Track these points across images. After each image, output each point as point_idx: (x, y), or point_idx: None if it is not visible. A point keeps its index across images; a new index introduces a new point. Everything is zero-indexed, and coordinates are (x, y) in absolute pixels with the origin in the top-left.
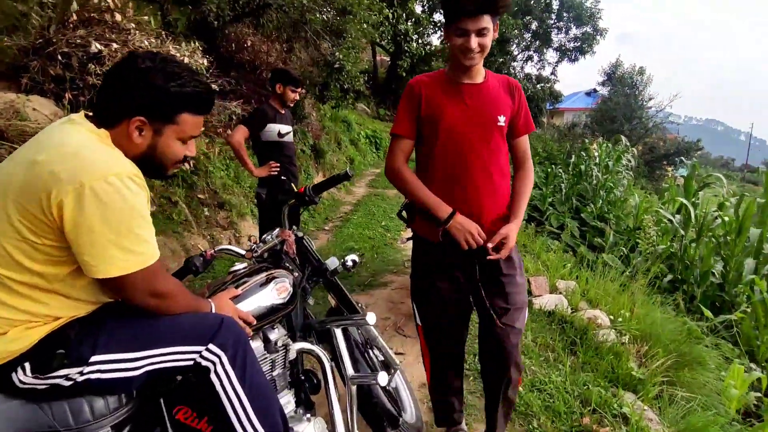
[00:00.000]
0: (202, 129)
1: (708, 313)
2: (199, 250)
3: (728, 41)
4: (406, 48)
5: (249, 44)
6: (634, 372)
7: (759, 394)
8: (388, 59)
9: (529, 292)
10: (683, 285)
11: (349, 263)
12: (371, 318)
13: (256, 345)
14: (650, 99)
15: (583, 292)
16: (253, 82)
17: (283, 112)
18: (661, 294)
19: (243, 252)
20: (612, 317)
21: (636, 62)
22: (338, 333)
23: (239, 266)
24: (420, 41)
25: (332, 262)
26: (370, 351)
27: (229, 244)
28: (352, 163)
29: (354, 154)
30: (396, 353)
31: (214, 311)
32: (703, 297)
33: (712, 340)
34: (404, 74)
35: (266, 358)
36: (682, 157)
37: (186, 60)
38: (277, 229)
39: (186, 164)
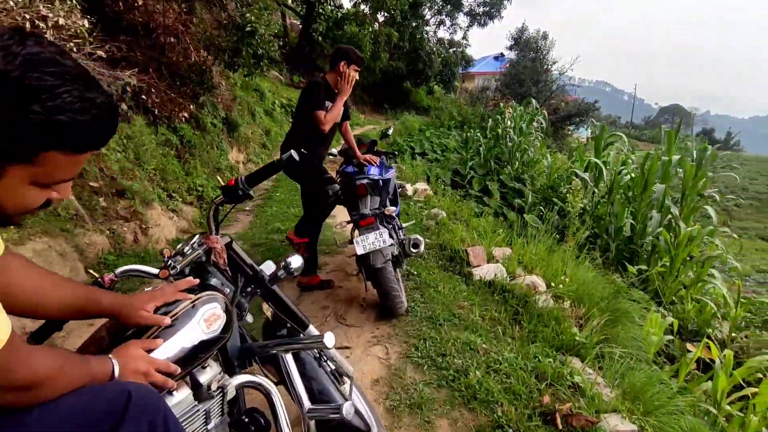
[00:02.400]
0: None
1: (632, 269)
2: (96, 252)
3: (616, 4)
4: (320, 10)
5: (140, 3)
6: (577, 337)
7: (671, 337)
8: (299, 23)
9: (468, 263)
10: (597, 240)
11: (293, 266)
12: (329, 340)
13: (182, 397)
14: (554, 63)
15: (518, 258)
16: (149, 47)
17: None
18: (579, 250)
19: (155, 271)
20: (548, 281)
21: (539, 26)
22: (288, 359)
23: (149, 291)
24: (333, 3)
25: (268, 267)
26: (323, 365)
27: (135, 239)
28: (268, 135)
29: (270, 125)
30: (341, 348)
31: (116, 374)
32: (617, 251)
33: (635, 293)
34: (320, 38)
35: (197, 410)
36: (583, 118)
37: (61, 22)
38: (197, 236)
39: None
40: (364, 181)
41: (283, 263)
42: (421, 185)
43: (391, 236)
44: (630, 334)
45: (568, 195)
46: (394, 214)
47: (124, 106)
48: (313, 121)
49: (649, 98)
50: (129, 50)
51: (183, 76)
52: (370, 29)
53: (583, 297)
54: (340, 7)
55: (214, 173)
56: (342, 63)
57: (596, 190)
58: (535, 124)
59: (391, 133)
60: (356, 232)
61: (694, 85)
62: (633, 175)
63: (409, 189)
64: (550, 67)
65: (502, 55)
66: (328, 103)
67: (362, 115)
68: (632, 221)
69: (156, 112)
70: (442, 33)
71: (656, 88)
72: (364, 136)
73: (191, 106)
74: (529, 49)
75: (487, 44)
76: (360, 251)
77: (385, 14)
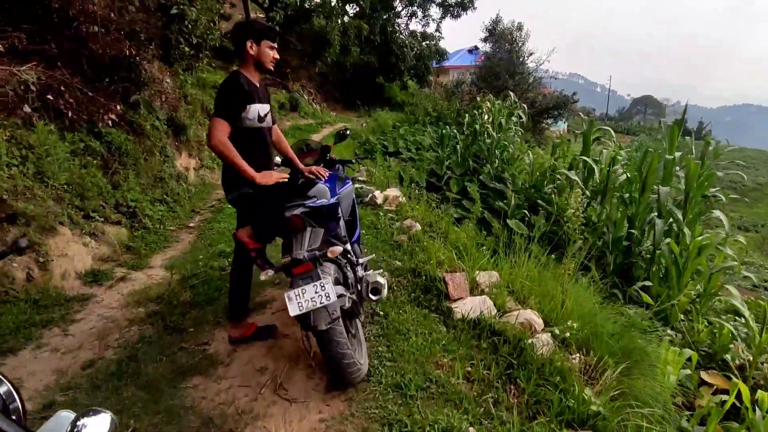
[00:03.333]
0: None
1: (647, 298)
2: None
3: None
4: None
5: None
6: (593, 406)
7: (688, 371)
8: (264, 16)
9: (447, 296)
10: (591, 250)
11: None
12: None
13: None
14: (530, 54)
15: (507, 284)
16: (68, 38)
17: (258, 84)
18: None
19: None
20: (545, 316)
21: (513, 17)
22: None
23: None
24: None
25: None
26: None
27: (29, 277)
28: None
29: None
30: None
31: None
32: (614, 264)
33: (647, 323)
34: (281, 30)
35: None
36: (561, 111)
37: None
38: None
39: None
40: (298, 211)
41: None
42: (393, 191)
43: (341, 282)
44: (649, 384)
45: (552, 196)
46: (347, 246)
47: (26, 108)
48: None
49: (621, 90)
50: (39, 41)
51: (109, 72)
52: (339, 21)
53: (590, 338)
54: None
55: (155, 184)
56: (249, 43)
57: (587, 192)
58: (514, 118)
59: (349, 134)
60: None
61: (662, 76)
62: (628, 174)
63: (379, 197)
64: (526, 59)
65: (476, 48)
66: (253, 108)
67: (333, 113)
68: (630, 228)
69: (70, 115)
70: (415, 25)
71: (627, 80)
72: (313, 141)
73: (119, 107)
74: (504, 41)
75: (460, 37)
76: (294, 311)
77: (355, 6)
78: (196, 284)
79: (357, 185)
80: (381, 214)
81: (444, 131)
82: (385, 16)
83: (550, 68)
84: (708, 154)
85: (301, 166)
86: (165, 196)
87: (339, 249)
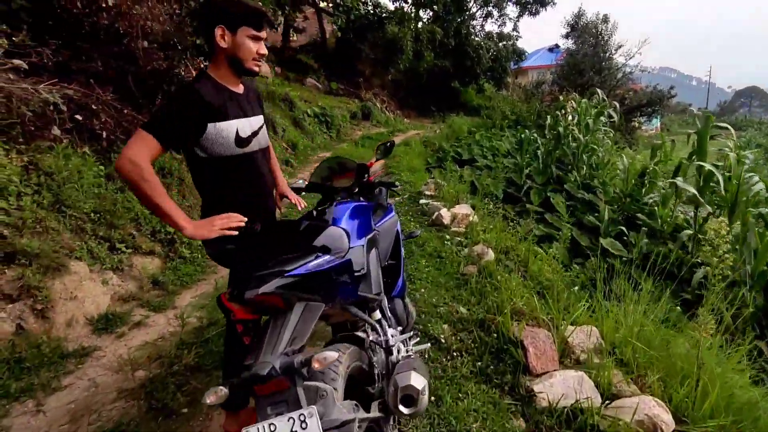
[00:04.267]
0: None
1: None
2: None
3: None
4: (349, 5)
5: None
6: None
7: None
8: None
9: (527, 369)
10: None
11: None
12: None
13: None
14: (619, 47)
15: (613, 348)
16: (113, 56)
17: (239, 89)
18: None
19: None
20: (674, 406)
21: (597, 10)
22: None
23: None
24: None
25: None
26: None
27: (19, 328)
28: (294, 149)
29: (297, 138)
30: None
31: None
32: (755, 309)
33: None
34: (351, 37)
35: None
36: (655, 108)
37: None
38: None
39: None
40: (270, 288)
41: None
42: (463, 208)
43: (364, 371)
44: None
45: (655, 207)
46: (386, 309)
47: (55, 130)
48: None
49: (720, 82)
50: (87, 60)
51: (152, 87)
52: (412, 26)
53: None
54: (378, 5)
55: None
56: (218, 31)
57: (709, 208)
58: (602, 118)
59: (392, 146)
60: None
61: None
62: (764, 185)
63: (446, 215)
64: (613, 52)
65: (557, 46)
66: (223, 127)
67: (406, 120)
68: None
69: (105, 135)
70: (490, 26)
71: (726, 71)
72: (348, 160)
73: None
74: (588, 35)
75: (540, 35)
76: None
77: (428, 11)
78: (211, 337)
79: (423, 201)
80: (447, 237)
81: (523, 135)
82: (459, 19)
83: (640, 62)
84: None
85: (292, 195)
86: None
87: (332, 356)
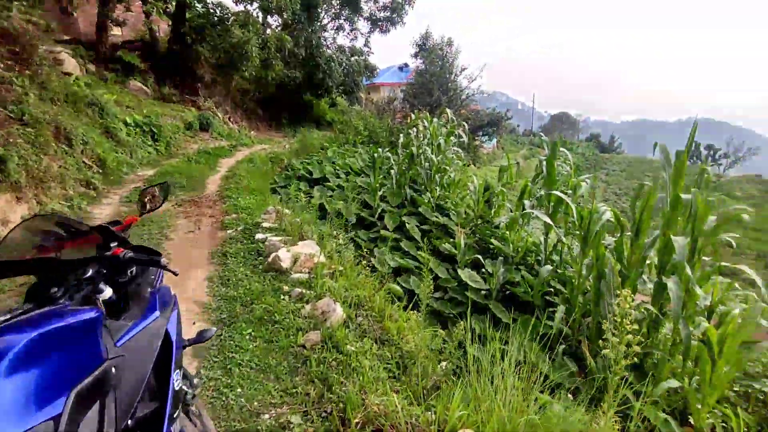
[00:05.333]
0: None
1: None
2: None
3: (511, 12)
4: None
5: None
6: None
7: None
8: (168, 24)
9: None
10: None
11: None
12: None
13: None
14: (463, 69)
15: None
16: None
17: None
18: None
19: None
20: None
21: (443, 33)
22: None
23: None
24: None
25: None
26: None
27: None
28: (101, 167)
29: (108, 152)
30: None
31: None
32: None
33: None
34: (188, 37)
35: None
36: (495, 128)
37: None
38: None
39: None
40: None
41: None
42: (307, 246)
43: None
44: None
45: (508, 233)
46: None
47: None
48: None
49: (539, 107)
50: None
51: None
52: (257, 29)
53: None
54: (220, 5)
55: None
56: None
57: (564, 240)
58: (453, 138)
59: (168, 189)
60: None
61: (573, 93)
62: (612, 215)
63: (285, 258)
64: (458, 74)
65: (406, 65)
66: None
67: (253, 133)
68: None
69: None
70: (342, 40)
71: (543, 97)
72: (72, 220)
73: None
74: (435, 56)
75: (390, 53)
76: None
77: (277, 17)
78: None
79: (260, 235)
80: (286, 288)
81: (376, 154)
82: (310, 29)
83: (481, 85)
84: (702, 183)
85: None
86: None
87: None
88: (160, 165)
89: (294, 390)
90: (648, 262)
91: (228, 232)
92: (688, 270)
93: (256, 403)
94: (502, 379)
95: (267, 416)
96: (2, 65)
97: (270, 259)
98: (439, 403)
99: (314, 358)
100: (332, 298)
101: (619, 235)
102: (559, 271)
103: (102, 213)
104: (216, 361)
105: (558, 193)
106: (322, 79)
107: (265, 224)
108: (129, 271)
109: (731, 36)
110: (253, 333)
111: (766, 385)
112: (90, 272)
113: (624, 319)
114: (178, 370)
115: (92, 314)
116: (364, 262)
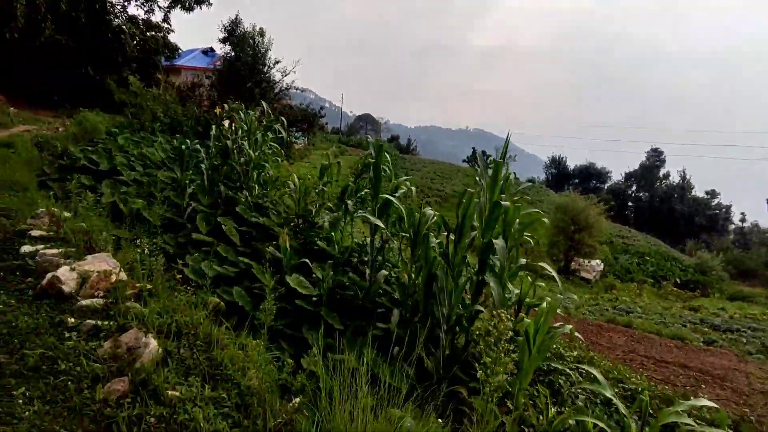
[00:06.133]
0: None
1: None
2: None
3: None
4: None
5: None
6: None
7: None
8: None
9: None
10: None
11: None
12: None
13: None
14: (276, 62)
15: None
16: None
17: None
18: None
19: None
20: None
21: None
22: None
23: None
24: None
25: None
26: None
27: None
28: None
29: None
30: None
31: None
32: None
33: None
34: None
35: None
36: (309, 125)
37: None
38: None
39: None
40: None
41: None
42: (101, 261)
43: None
44: None
45: (333, 233)
46: None
47: None
48: None
49: (345, 107)
50: None
51: None
52: None
53: None
54: None
55: None
56: None
57: (394, 243)
58: (270, 133)
59: None
60: None
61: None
62: (437, 218)
63: (69, 280)
64: (272, 66)
65: (212, 49)
66: None
67: (13, 109)
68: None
69: None
70: (135, 10)
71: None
72: None
73: None
74: (246, 45)
75: (193, 35)
76: None
77: None
78: None
79: (27, 248)
80: (71, 321)
81: (184, 146)
82: None
83: (295, 80)
84: (503, 186)
85: None
86: None
87: None
88: None
89: None
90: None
91: None
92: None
93: None
94: (354, 402)
95: None
96: None
97: (44, 282)
98: None
99: (123, 417)
100: (141, 329)
101: (445, 236)
102: (393, 273)
103: None
104: None
105: (389, 196)
106: (109, 54)
107: (34, 232)
108: None
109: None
110: (27, 392)
111: (563, 365)
112: None
113: (502, 342)
114: None
115: None
116: (174, 272)
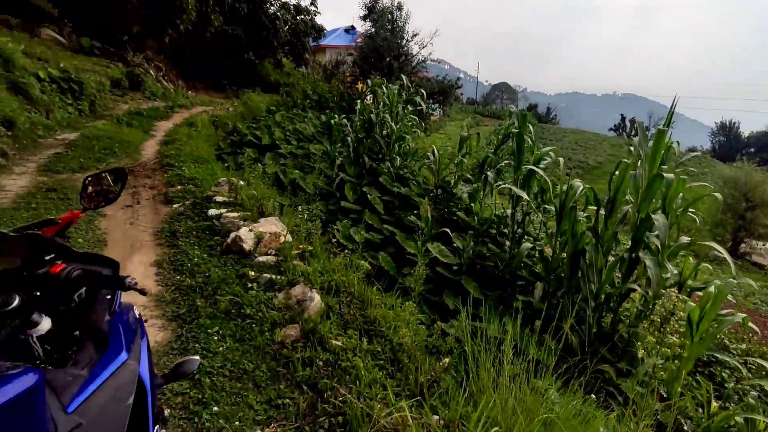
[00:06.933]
0: None
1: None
2: None
3: None
4: None
5: None
6: None
7: None
8: None
9: None
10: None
11: None
12: None
13: None
14: (414, 35)
15: None
16: None
17: None
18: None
19: None
20: None
21: None
22: None
23: None
24: None
25: None
26: None
27: None
28: (9, 128)
29: (17, 112)
30: None
31: None
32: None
33: None
34: None
35: None
36: (446, 96)
37: None
38: None
39: None
40: None
41: None
42: (271, 224)
43: None
44: None
45: (473, 204)
46: None
47: None
48: None
49: (480, 76)
50: None
51: None
52: None
53: None
54: None
55: None
56: None
57: (541, 217)
58: (410, 106)
59: (125, 177)
60: None
61: (511, 65)
62: (587, 190)
63: (248, 238)
64: (410, 40)
65: (353, 27)
66: None
67: (191, 93)
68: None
69: None
70: None
71: (483, 67)
72: None
73: None
74: (385, 20)
75: (337, 15)
76: None
77: None
78: None
79: (213, 211)
80: (251, 274)
81: (333, 120)
82: None
83: (432, 52)
84: (664, 156)
85: None
86: None
87: None
88: (84, 127)
89: (279, 401)
90: None
91: (174, 206)
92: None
93: (237, 422)
94: (499, 368)
95: None
96: None
97: (229, 240)
98: (451, 406)
99: (297, 358)
100: (307, 285)
101: (594, 210)
102: (536, 246)
103: (14, 184)
104: None
105: (535, 168)
106: (266, 38)
107: (217, 198)
108: (76, 295)
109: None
110: (220, 331)
111: (729, 357)
112: (16, 301)
113: (671, 322)
114: (157, 428)
115: (29, 379)
116: (329, 236)
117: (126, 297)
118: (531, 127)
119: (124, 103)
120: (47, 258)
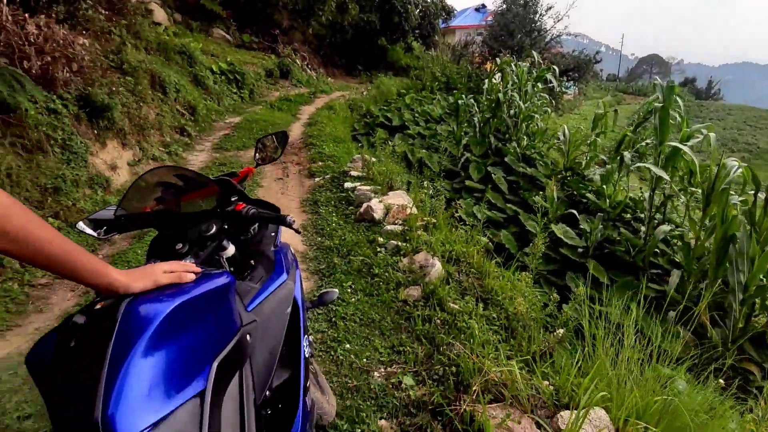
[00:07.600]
0: None
1: None
2: None
3: None
4: None
5: None
6: None
7: None
8: None
9: None
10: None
11: None
12: None
13: None
14: (549, 8)
15: None
16: None
17: None
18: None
19: None
20: None
21: None
22: None
23: None
24: None
25: None
26: None
27: None
28: (192, 114)
29: (198, 100)
30: None
31: None
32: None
33: None
34: None
35: None
36: (582, 73)
37: None
38: None
39: None
40: None
41: None
42: (398, 196)
43: None
44: None
45: (603, 187)
46: None
47: None
48: None
49: (625, 49)
50: None
51: None
52: None
53: None
54: None
55: (44, 197)
56: None
57: (682, 197)
58: (540, 84)
59: (286, 139)
60: None
61: (664, 34)
62: (742, 170)
63: (377, 208)
64: (544, 14)
65: (483, 6)
66: None
67: (330, 79)
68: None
69: None
70: None
71: (629, 39)
72: (189, 170)
73: None
74: None
75: None
76: None
77: None
78: None
79: (348, 184)
80: (380, 240)
81: (461, 101)
82: None
83: (567, 26)
84: None
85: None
86: (59, 219)
87: None
88: (245, 112)
89: (401, 348)
90: None
91: (316, 179)
92: None
93: (365, 360)
94: (617, 349)
95: (377, 374)
96: (102, 15)
97: (362, 210)
98: (562, 374)
99: (418, 315)
100: (429, 253)
101: (752, 195)
102: (676, 232)
103: (197, 159)
104: (320, 313)
105: (680, 145)
106: (398, 23)
107: (352, 173)
108: (251, 229)
109: None
110: (353, 285)
111: None
112: (213, 229)
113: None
114: (306, 336)
115: (226, 279)
116: (452, 211)
117: (284, 239)
118: (680, 101)
119: (276, 90)
120: (233, 199)
